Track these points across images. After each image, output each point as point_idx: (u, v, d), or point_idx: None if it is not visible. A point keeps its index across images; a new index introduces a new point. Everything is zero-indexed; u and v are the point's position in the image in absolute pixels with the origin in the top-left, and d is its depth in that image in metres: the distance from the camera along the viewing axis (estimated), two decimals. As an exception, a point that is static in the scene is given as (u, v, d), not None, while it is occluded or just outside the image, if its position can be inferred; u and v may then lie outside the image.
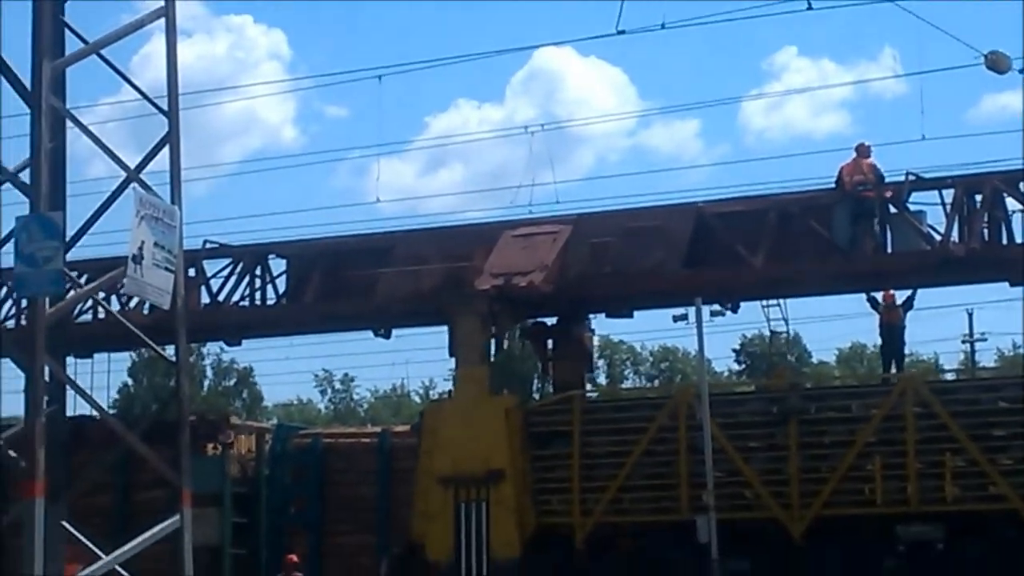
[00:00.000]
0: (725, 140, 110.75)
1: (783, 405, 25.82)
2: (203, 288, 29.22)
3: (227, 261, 29.98)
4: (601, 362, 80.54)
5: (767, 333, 29.18)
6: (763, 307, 27.88)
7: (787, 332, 28.19)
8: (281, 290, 30.05)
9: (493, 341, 27.85)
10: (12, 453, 10.97)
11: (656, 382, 77.40)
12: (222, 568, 29.09)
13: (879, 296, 27.38)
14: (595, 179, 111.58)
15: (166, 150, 11.72)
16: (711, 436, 24.65)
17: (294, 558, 27.18)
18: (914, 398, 25.04)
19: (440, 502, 27.00)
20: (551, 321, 29.60)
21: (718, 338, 64.23)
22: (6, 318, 29.12)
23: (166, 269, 11.17)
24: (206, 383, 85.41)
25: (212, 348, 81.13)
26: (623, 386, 78.64)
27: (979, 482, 24.52)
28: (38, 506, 10.06)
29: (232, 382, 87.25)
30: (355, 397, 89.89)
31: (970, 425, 24.58)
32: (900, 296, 27.59)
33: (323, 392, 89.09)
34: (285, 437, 30.83)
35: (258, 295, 29.85)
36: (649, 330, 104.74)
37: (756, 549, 25.35)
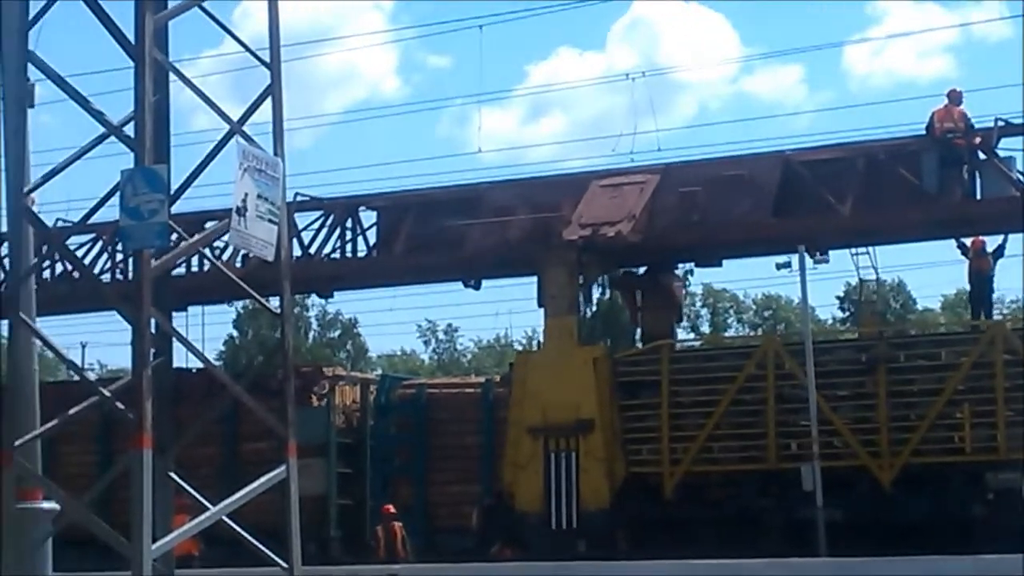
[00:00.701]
0: (828, 86, 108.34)
1: (872, 353, 25.75)
2: (295, 240, 29.53)
3: (318, 214, 30.30)
4: (704, 311, 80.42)
5: (869, 280, 28.76)
6: (852, 255, 27.77)
7: (877, 280, 27.95)
8: (372, 242, 30.30)
9: (581, 292, 27.92)
10: (120, 405, 11.34)
11: (759, 330, 76.61)
12: (328, 518, 29.40)
13: (968, 243, 27.21)
14: (697, 127, 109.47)
15: (268, 102, 11.90)
16: (801, 385, 24.76)
17: (391, 508, 27.50)
18: (1003, 345, 24.88)
19: (530, 452, 27.19)
20: (640, 271, 29.63)
21: (821, 285, 63.43)
22: (102, 272, 29.74)
23: (269, 221, 11.37)
24: (311, 335, 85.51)
25: (317, 300, 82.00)
26: (726, 335, 78.07)
27: (1069, 429, 24.29)
28: (146, 457, 10.42)
29: (337, 333, 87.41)
30: (458, 347, 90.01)
31: (1060, 372, 24.35)
32: (992, 243, 27.37)
33: (427, 343, 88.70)
34: (389, 388, 30.85)
35: (349, 247, 30.10)
36: (752, 278, 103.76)
37: (845, 498, 25.29)
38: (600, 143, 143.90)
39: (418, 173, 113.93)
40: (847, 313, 76.94)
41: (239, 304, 64.30)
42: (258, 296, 12.01)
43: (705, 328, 78.29)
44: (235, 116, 11.66)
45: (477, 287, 29.96)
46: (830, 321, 74.05)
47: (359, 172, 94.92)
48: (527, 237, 27.84)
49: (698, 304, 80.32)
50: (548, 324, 28.02)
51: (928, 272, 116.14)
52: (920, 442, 25.07)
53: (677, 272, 30.30)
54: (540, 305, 27.98)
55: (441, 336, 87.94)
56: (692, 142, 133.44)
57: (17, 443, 11.34)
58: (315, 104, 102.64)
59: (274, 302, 12.12)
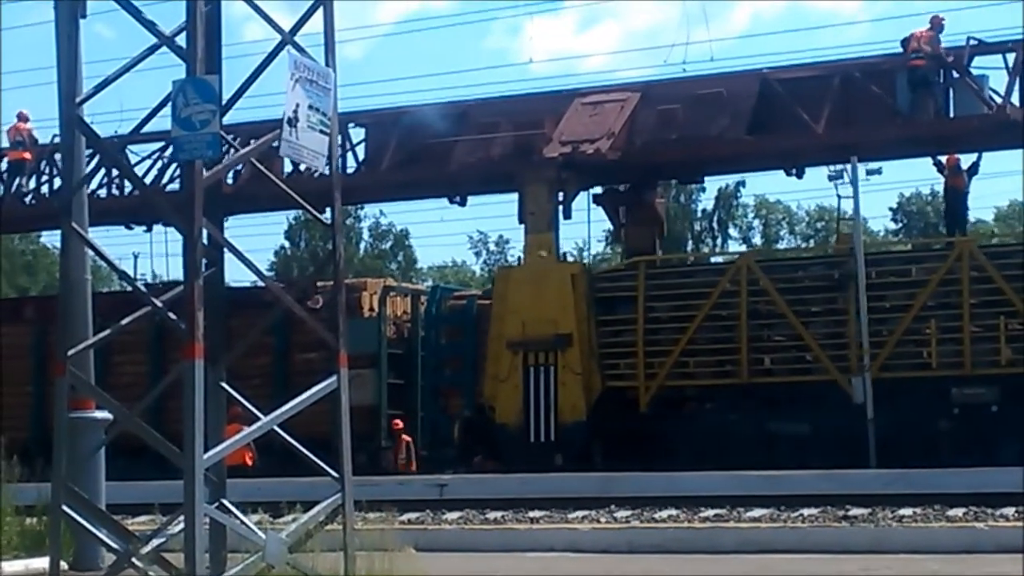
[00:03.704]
0: None
1: (843, 270, 26.11)
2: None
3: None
4: (756, 222, 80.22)
5: (847, 197, 29.02)
6: (829, 173, 28.06)
7: (856, 197, 28.29)
8: (361, 158, 30.35)
9: (561, 208, 28.16)
10: (172, 316, 11.36)
11: (811, 242, 76.29)
12: (379, 428, 29.34)
13: (943, 160, 27.51)
14: (750, 37, 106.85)
15: (320, 12, 11.88)
16: (771, 301, 25.08)
17: (399, 423, 27.67)
18: (970, 262, 25.30)
19: (509, 366, 27.64)
20: (623, 188, 29.82)
21: (874, 196, 62.65)
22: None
23: (321, 132, 11.36)
24: (363, 245, 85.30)
25: (371, 211, 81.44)
26: (778, 247, 77.22)
27: (1033, 345, 24.64)
28: (197, 368, 10.47)
29: (388, 245, 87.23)
30: (509, 259, 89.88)
31: (1025, 289, 24.70)
32: (967, 161, 27.70)
33: (477, 254, 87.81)
34: (440, 299, 30.85)
35: (339, 163, 30.01)
36: (806, 189, 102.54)
37: (815, 412, 25.82)
38: (653, 53, 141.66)
39: (468, 84, 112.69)
40: (900, 224, 76.64)
41: (291, 215, 63.47)
42: (309, 207, 12.03)
43: (757, 240, 77.63)
44: (287, 26, 11.62)
45: (463, 203, 30.17)
46: (882, 232, 73.76)
47: (409, 83, 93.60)
48: (509, 154, 28.13)
49: (750, 216, 79.94)
50: (528, 240, 28.31)
51: (980, 184, 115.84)
52: (889, 357, 25.44)
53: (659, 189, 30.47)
54: (520, 221, 28.24)
55: (492, 247, 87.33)
56: (745, 52, 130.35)
57: (70, 352, 11.37)
58: (367, 15, 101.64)
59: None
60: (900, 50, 26.82)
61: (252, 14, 11.70)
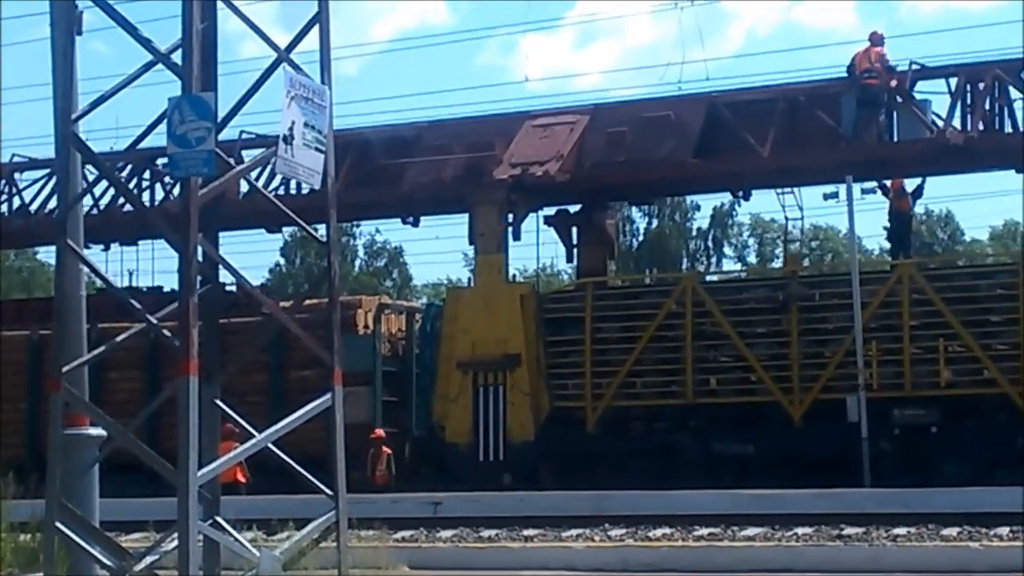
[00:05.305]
0: (880, 15, 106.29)
1: (786, 292, 26.46)
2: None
3: (262, 151, 29.97)
4: (752, 240, 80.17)
5: (795, 219, 29.34)
6: (778, 195, 28.45)
7: (801, 219, 28.68)
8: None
9: (510, 230, 28.31)
10: (167, 332, 11.35)
11: (807, 261, 76.76)
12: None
13: (888, 183, 27.80)
14: (745, 56, 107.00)
15: (316, 30, 11.92)
16: (716, 322, 25.30)
17: (380, 433, 27.69)
18: (910, 284, 25.65)
19: (459, 386, 27.93)
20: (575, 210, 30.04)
21: (869, 216, 62.29)
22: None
23: (316, 149, 11.44)
24: (357, 263, 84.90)
25: (367, 228, 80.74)
26: (772, 266, 78.17)
27: (972, 367, 25.17)
28: (192, 384, 10.49)
29: (383, 262, 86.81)
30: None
31: (964, 311, 25.18)
32: (911, 185, 28.08)
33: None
34: (435, 317, 30.63)
35: (293, 183, 29.90)
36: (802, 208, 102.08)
37: (758, 432, 26.15)
38: (649, 72, 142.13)
39: (463, 102, 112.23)
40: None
41: (286, 231, 63.00)
42: (304, 224, 12.11)
43: (752, 258, 77.53)
44: (282, 44, 11.69)
45: (416, 224, 30.34)
46: (877, 251, 74.20)
47: (404, 101, 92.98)
48: (460, 176, 28.36)
49: (745, 234, 79.77)
50: (478, 261, 28.52)
51: (977, 203, 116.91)
52: (830, 379, 25.81)
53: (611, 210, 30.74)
54: (471, 242, 28.41)
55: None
56: (741, 71, 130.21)
57: (65, 369, 11.37)
58: (362, 32, 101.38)
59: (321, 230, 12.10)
60: (846, 75, 27.19)
61: (248, 31, 11.82)
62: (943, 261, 43.09)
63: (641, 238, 73.04)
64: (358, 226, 76.11)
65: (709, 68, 43.02)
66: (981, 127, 26.39)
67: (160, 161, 30.48)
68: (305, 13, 11.82)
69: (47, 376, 11.81)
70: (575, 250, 30.23)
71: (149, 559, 11.71)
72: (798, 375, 26.02)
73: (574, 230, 30.14)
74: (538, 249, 29.87)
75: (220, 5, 11.60)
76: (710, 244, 76.44)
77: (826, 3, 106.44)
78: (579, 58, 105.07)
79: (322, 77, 11.84)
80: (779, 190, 28.31)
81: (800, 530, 16.89)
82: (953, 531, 16.25)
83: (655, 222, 73.09)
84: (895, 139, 27.03)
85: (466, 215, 28.83)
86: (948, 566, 14.41)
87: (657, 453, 26.54)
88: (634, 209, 63.87)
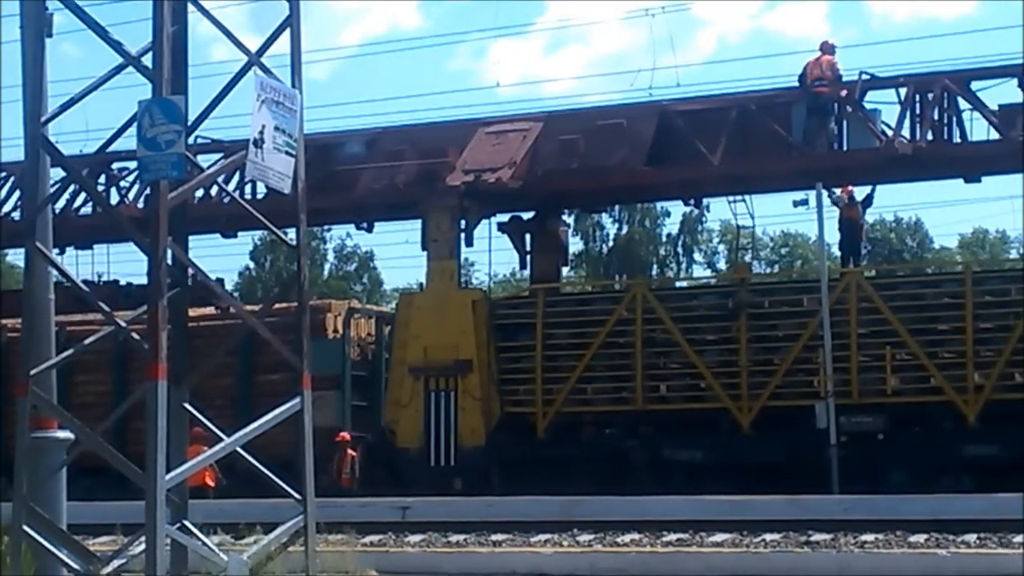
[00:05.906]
0: (852, 23, 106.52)
1: (735, 299, 26.63)
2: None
3: (219, 156, 29.91)
4: (722, 247, 79.61)
5: (746, 227, 29.46)
6: (729, 203, 28.62)
7: (753, 227, 28.81)
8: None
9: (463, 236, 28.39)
10: (135, 336, 11.33)
11: (776, 267, 76.05)
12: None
13: (838, 191, 28.02)
14: (717, 63, 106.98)
15: (286, 34, 11.94)
16: (666, 329, 25.39)
17: (346, 436, 27.57)
18: (857, 293, 25.87)
19: (411, 391, 27.97)
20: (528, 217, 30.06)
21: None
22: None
23: (287, 153, 11.48)
24: (327, 267, 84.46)
25: (337, 232, 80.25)
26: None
27: (919, 375, 25.41)
28: (160, 388, 10.49)
29: (353, 267, 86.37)
30: (474, 282, 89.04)
31: (911, 319, 25.44)
32: (861, 193, 28.36)
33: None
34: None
35: (248, 188, 29.82)
36: (772, 215, 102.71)
37: (706, 439, 26.32)
38: (619, 78, 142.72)
39: (434, 107, 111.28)
40: (866, 250, 77.29)
41: (256, 235, 62.35)
42: (274, 228, 12.12)
43: (722, 265, 76.57)
44: (253, 48, 11.73)
45: (370, 230, 30.40)
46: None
47: (375, 106, 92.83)
48: (413, 182, 28.43)
49: (715, 240, 79.16)
50: (430, 267, 28.63)
51: (944, 211, 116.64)
52: (778, 386, 26.02)
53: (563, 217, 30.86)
54: (423, 248, 28.48)
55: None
56: (712, 78, 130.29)
57: (32, 372, 11.34)
58: (333, 36, 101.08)
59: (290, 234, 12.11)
60: (797, 84, 27.44)
61: (219, 35, 11.87)
62: (887, 270, 43.27)
63: (611, 244, 73.33)
64: (329, 230, 76.03)
65: (680, 75, 43.38)
66: (930, 137, 26.66)
67: (116, 165, 30.45)
68: (276, 17, 11.90)
69: (14, 379, 11.79)
70: (528, 257, 30.31)
71: (116, 563, 11.71)
72: (747, 382, 26.17)
73: (527, 237, 30.24)
74: (490, 255, 29.90)
75: (191, 8, 11.64)
76: (680, 250, 76.75)
77: (797, 10, 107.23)
78: (550, 63, 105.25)
79: (293, 81, 11.90)
80: (730, 198, 28.45)
81: (768, 536, 16.94)
82: (921, 537, 16.31)
83: (625, 228, 73.56)
84: (845, 148, 27.26)
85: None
86: (916, 572, 14.54)
87: (607, 459, 26.62)
88: (604, 215, 63.94)
